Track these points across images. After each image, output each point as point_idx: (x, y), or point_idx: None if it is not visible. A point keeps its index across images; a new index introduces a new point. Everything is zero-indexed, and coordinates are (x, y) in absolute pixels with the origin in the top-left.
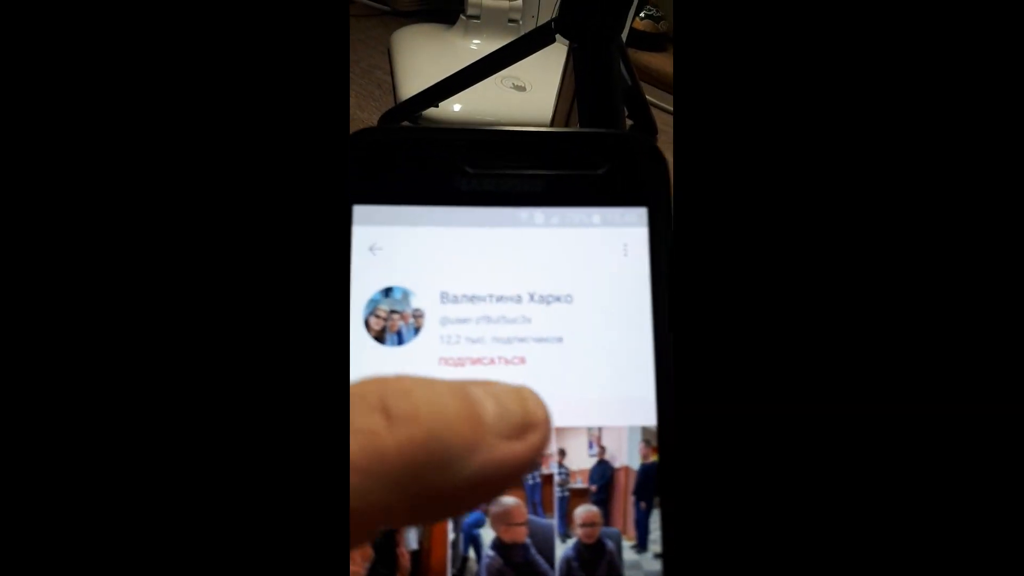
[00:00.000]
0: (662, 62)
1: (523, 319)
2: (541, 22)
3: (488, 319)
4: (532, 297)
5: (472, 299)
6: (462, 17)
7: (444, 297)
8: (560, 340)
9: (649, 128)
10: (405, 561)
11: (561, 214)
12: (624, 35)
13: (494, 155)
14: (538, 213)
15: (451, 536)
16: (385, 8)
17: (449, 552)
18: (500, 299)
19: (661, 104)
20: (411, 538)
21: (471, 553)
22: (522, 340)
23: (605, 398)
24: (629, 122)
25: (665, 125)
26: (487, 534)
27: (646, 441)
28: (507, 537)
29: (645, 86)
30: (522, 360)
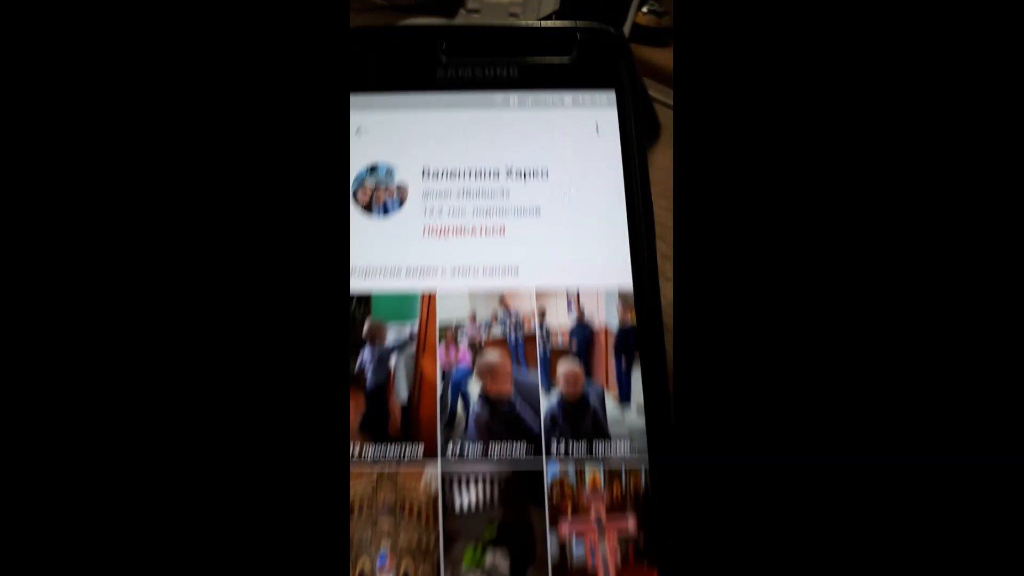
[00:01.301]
0: (664, 57)
1: (502, 192)
2: (542, 16)
3: (469, 193)
4: (510, 172)
5: (453, 174)
6: (462, 11)
7: (426, 173)
8: (538, 211)
9: (651, 124)
10: (396, 414)
11: (535, 97)
12: (627, 30)
13: (470, 46)
14: (513, 96)
15: (439, 390)
16: (383, 3)
17: (438, 405)
18: (480, 174)
19: (664, 100)
20: (401, 392)
21: (459, 406)
22: (502, 211)
23: (582, 262)
24: None
25: (668, 121)
26: (474, 388)
27: (623, 302)
28: (493, 391)
29: (647, 81)
30: (502, 230)
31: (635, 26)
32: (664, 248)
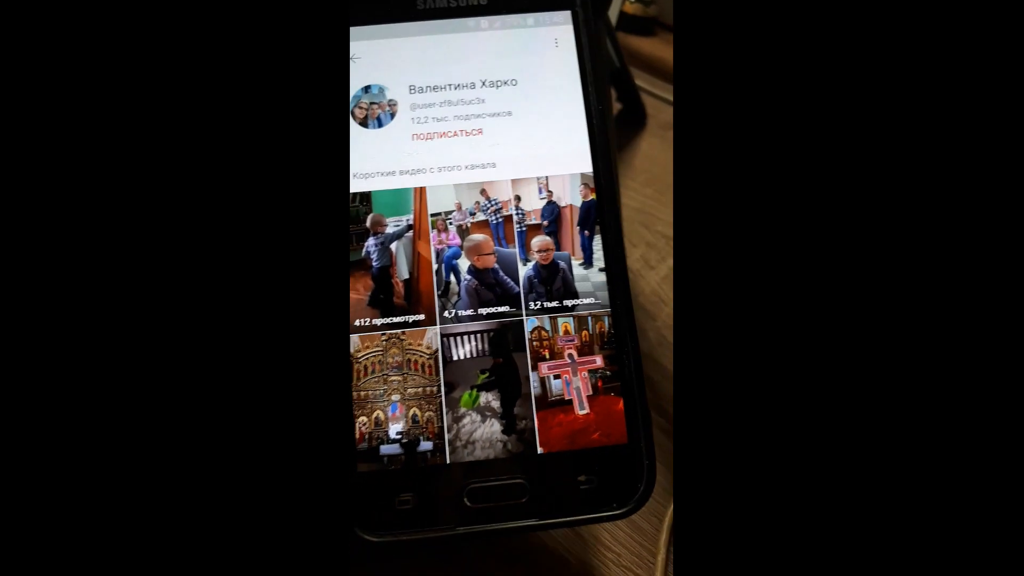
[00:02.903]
0: (651, 46)
1: (478, 100)
2: None
3: (450, 102)
4: (484, 83)
5: (435, 88)
6: None
7: (412, 88)
8: (510, 114)
9: (638, 113)
10: (399, 288)
11: (502, 20)
12: (614, 18)
13: None
14: (483, 21)
15: (435, 267)
16: None
17: (434, 279)
18: (458, 87)
19: (651, 89)
20: (402, 269)
21: (452, 278)
22: (479, 116)
23: (550, 154)
24: (618, 106)
25: (654, 111)
26: (463, 263)
27: (585, 184)
28: (479, 264)
29: (634, 71)
30: (480, 131)
31: (622, 14)
32: (648, 236)
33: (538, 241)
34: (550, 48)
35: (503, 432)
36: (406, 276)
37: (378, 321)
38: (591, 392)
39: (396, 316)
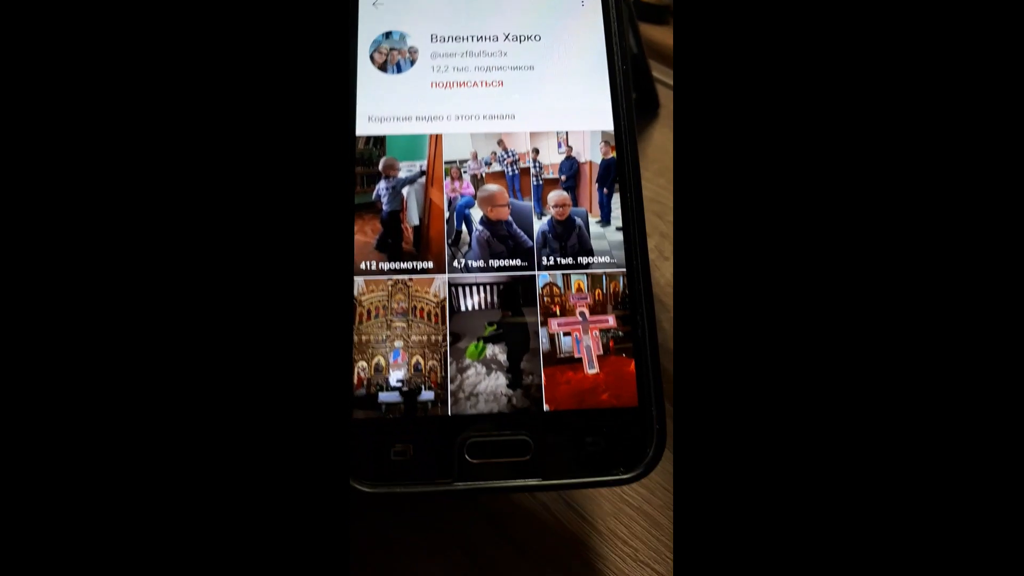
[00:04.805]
0: (665, 35)
1: (500, 53)
2: None
3: (471, 53)
4: (508, 37)
5: (458, 39)
6: None
7: (434, 37)
8: (532, 68)
9: (652, 102)
10: (408, 234)
11: None
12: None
13: None
14: None
15: (446, 215)
16: None
17: (445, 227)
18: (481, 39)
19: (663, 79)
20: (413, 215)
21: (463, 227)
22: (500, 68)
23: (570, 109)
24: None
25: (667, 100)
26: (476, 213)
27: (606, 141)
28: (492, 215)
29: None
30: (500, 83)
31: (636, 2)
32: (663, 226)
33: (555, 196)
34: (576, 7)
35: (508, 386)
36: (416, 222)
37: (385, 265)
38: (602, 352)
39: (404, 262)
